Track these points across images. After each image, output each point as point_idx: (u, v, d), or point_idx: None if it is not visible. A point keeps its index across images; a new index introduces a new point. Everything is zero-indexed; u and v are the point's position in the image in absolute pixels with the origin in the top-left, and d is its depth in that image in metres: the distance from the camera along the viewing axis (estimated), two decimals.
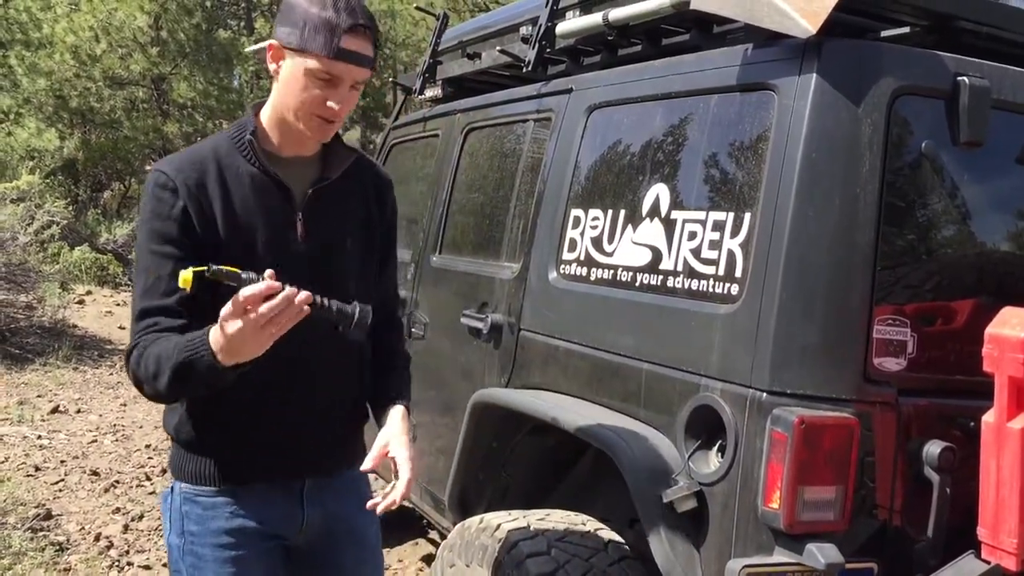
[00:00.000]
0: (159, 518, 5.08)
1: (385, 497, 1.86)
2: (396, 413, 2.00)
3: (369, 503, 1.90)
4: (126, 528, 4.88)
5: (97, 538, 4.72)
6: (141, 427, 6.82)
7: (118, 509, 5.15)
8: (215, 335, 1.66)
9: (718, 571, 2.03)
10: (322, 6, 1.79)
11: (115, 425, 6.81)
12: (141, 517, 5.06)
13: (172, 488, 2.00)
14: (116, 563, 4.51)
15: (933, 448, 2.03)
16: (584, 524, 2.54)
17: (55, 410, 6.98)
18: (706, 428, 2.17)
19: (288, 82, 1.84)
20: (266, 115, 1.94)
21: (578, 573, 2.33)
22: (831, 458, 1.94)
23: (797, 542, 1.93)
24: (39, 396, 7.33)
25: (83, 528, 4.85)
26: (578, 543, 2.43)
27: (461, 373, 3.24)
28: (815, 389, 2.01)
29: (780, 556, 1.95)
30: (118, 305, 11.19)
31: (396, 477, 1.89)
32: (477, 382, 3.09)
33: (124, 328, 10.14)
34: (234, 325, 1.61)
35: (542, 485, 3.03)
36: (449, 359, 3.38)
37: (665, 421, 2.30)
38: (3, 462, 5.27)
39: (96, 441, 6.40)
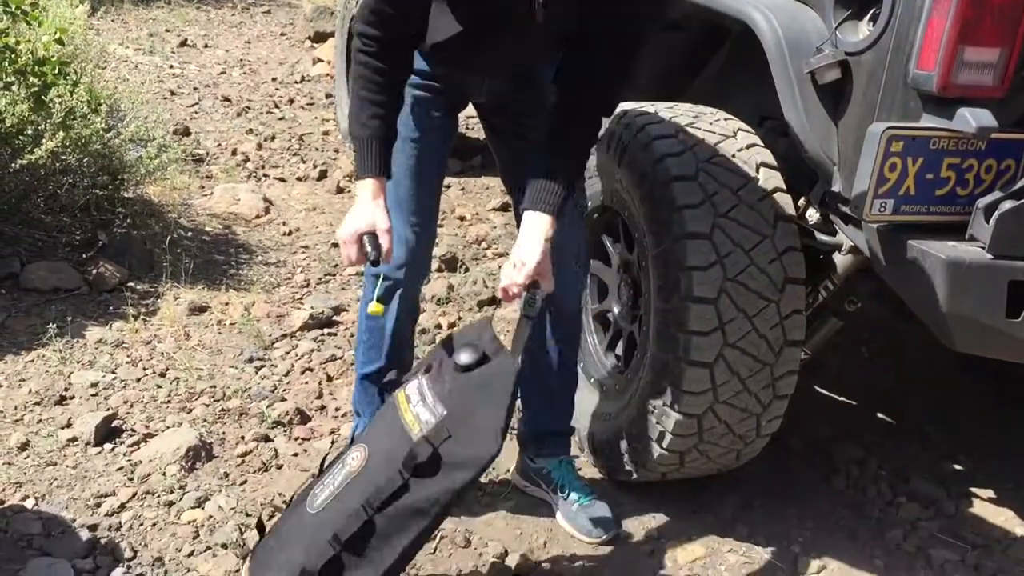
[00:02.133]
0: (290, 140, 5.26)
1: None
2: (529, 220, 1.99)
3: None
4: (259, 146, 5.08)
5: (234, 152, 4.94)
6: (266, 63, 6.90)
7: (251, 130, 5.34)
8: (359, 186, 1.99)
9: (856, 140, 1.95)
10: None
11: (241, 60, 6.91)
12: (273, 138, 5.25)
13: None
14: (253, 174, 4.74)
15: None
16: (713, 114, 2.47)
17: (183, 43, 7.10)
18: None
19: None
20: None
21: (706, 156, 2.29)
22: (1000, 15, 1.77)
23: (948, 107, 1.82)
24: (167, 31, 7.43)
25: (220, 144, 5.07)
26: (707, 129, 2.38)
27: None
28: None
29: (928, 122, 1.85)
30: None
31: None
32: None
33: None
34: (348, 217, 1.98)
35: (670, 86, 2.94)
36: None
37: None
38: (140, 85, 5.45)
39: (225, 73, 6.53)
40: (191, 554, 2.21)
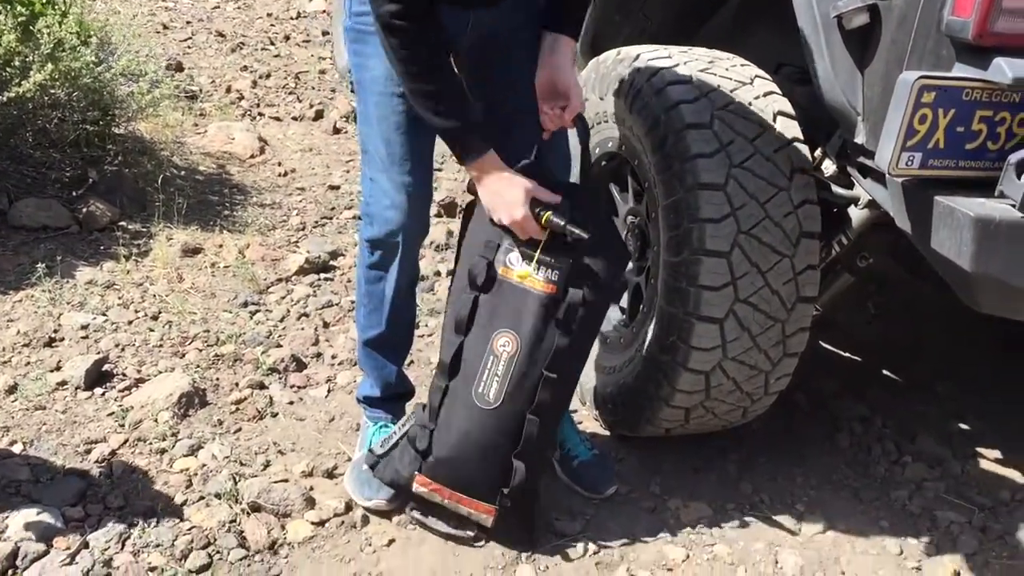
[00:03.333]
0: (286, 78, 5.13)
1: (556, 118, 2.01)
2: (560, 44, 1.99)
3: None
4: (254, 84, 4.96)
5: (228, 90, 4.82)
6: None
7: (245, 67, 5.20)
8: (481, 166, 1.90)
9: (883, 89, 1.86)
10: None
11: None
12: (268, 76, 5.11)
13: None
14: (248, 112, 4.62)
15: None
16: (729, 59, 2.37)
17: None
18: None
19: None
20: None
21: (721, 103, 2.20)
22: None
23: (983, 56, 1.72)
24: None
25: (214, 81, 4.94)
26: (722, 75, 2.28)
27: None
28: None
29: (961, 71, 1.76)
30: None
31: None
32: None
33: None
34: (505, 198, 1.92)
35: (682, 30, 2.83)
36: None
37: None
38: (132, 18, 5.30)
39: (219, 7, 6.36)
40: (184, 503, 2.16)
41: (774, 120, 2.22)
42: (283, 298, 3.07)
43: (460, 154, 1.90)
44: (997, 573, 2.22)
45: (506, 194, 1.91)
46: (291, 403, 2.57)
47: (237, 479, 2.23)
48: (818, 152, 2.37)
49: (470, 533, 2.12)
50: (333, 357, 2.78)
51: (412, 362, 2.77)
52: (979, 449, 2.68)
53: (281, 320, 2.95)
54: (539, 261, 1.98)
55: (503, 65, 2.03)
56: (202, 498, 2.18)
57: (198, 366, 2.66)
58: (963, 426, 2.79)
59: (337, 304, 3.06)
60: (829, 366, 3.00)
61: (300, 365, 2.72)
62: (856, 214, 2.32)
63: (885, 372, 3.04)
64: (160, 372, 2.61)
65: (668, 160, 2.18)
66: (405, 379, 2.34)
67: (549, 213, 1.91)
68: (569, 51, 2.00)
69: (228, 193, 3.76)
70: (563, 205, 1.94)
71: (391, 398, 2.30)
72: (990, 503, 2.45)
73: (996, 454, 2.67)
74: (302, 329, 2.90)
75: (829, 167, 2.38)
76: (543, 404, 2.00)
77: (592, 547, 2.16)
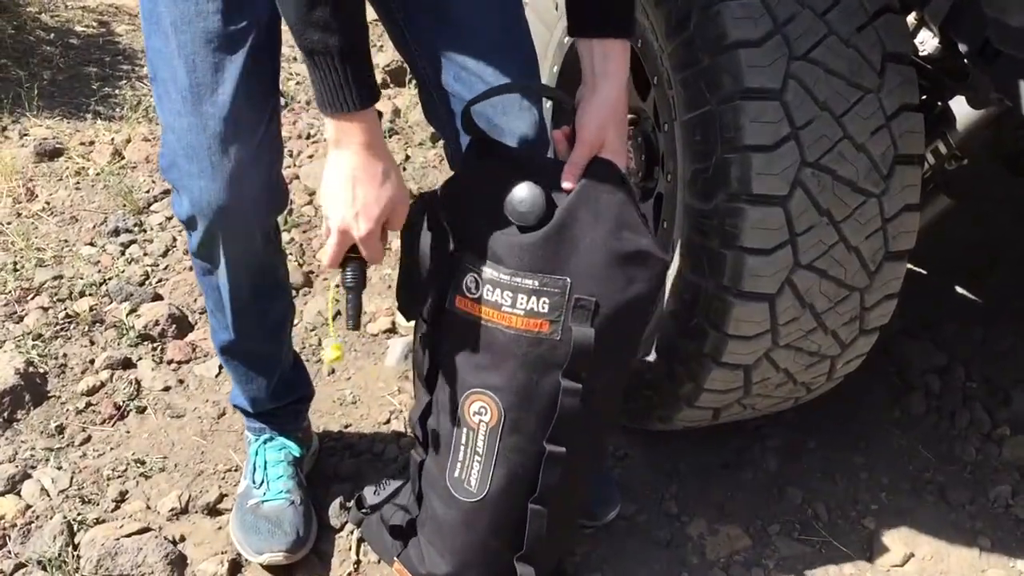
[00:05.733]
0: None
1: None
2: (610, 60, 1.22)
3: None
4: None
5: None
6: None
7: None
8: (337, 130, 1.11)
9: None
10: None
11: None
12: None
13: None
14: None
15: None
16: None
17: None
18: None
19: None
20: None
21: None
22: None
23: None
24: None
25: None
26: None
27: None
28: None
29: None
30: None
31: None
32: None
33: None
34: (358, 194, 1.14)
35: None
36: None
37: None
38: None
39: None
40: None
41: None
42: (169, 219, 2.31)
43: (330, 99, 1.09)
44: None
45: (364, 190, 1.14)
46: (166, 389, 1.87)
47: (74, 530, 1.56)
48: (911, 18, 1.60)
49: None
50: None
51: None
52: None
53: (164, 255, 2.21)
54: (496, 283, 1.26)
55: None
56: (21, 567, 1.51)
57: (39, 336, 1.94)
58: None
59: None
60: None
61: (183, 327, 2.01)
62: (962, 111, 1.57)
63: (961, 290, 2.34)
64: None
65: (691, 50, 1.40)
66: (293, 385, 1.63)
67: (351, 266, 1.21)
68: (620, 64, 1.23)
69: (110, 63, 2.92)
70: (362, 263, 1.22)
71: (269, 412, 1.61)
72: None
73: None
74: (190, 268, 2.16)
75: (928, 42, 1.61)
76: (550, 489, 1.32)
77: None
